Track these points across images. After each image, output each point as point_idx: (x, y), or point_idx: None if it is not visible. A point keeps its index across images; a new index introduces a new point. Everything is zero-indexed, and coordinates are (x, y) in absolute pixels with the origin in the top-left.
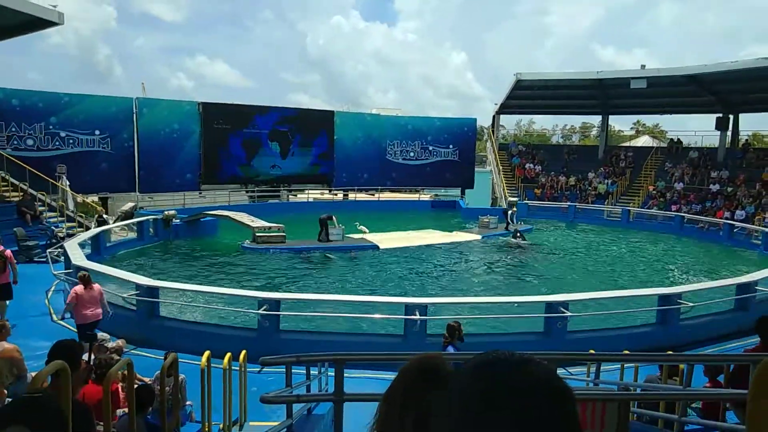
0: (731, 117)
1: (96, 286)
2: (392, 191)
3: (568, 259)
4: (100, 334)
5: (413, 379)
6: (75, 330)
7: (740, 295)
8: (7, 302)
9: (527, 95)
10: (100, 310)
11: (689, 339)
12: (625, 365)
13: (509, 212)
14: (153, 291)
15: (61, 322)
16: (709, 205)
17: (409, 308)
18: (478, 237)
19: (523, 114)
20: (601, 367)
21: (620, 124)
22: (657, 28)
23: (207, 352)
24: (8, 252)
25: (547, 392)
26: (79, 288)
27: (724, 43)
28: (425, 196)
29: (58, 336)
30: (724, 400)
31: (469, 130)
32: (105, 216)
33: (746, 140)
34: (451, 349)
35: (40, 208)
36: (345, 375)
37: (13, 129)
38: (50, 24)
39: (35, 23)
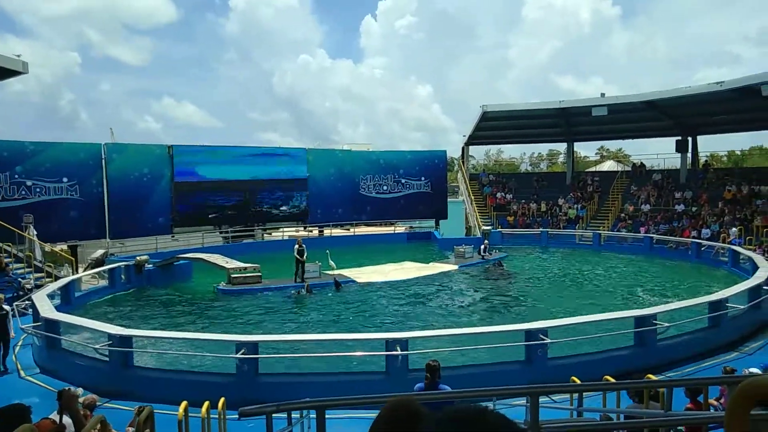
0: (690, 139)
1: None
2: (367, 225)
3: (545, 285)
4: (72, 388)
5: (387, 426)
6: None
7: (713, 313)
8: None
9: (494, 126)
10: None
11: (667, 359)
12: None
13: (481, 247)
14: (126, 340)
15: (31, 378)
16: (676, 225)
17: (390, 344)
18: (455, 267)
19: (491, 144)
20: (584, 393)
21: (585, 150)
22: (611, 57)
23: (184, 403)
24: None
25: None
26: None
27: (677, 69)
28: (400, 229)
29: (26, 393)
30: (706, 423)
31: (440, 162)
32: None
33: (705, 161)
34: (419, 386)
35: (6, 260)
36: (328, 416)
37: None
38: (15, 73)
39: None
